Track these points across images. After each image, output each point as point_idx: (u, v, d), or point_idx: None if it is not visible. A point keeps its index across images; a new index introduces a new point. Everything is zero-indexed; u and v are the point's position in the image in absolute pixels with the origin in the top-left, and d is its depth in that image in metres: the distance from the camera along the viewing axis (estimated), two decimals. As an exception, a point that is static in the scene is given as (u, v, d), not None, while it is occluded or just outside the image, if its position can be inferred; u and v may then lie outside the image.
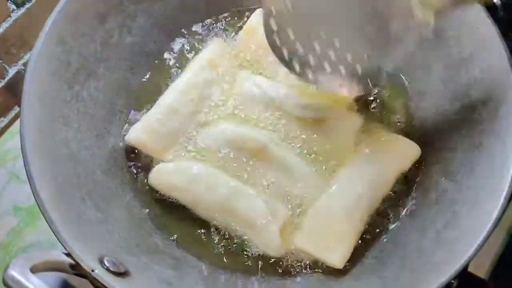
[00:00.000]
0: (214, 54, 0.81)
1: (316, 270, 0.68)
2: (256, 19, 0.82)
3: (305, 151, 0.74)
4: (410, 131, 0.76)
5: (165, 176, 0.72)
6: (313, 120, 0.75)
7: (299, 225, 0.70)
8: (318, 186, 0.71)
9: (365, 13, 0.64)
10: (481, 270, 0.76)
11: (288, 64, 0.69)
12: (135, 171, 0.75)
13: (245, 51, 0.82)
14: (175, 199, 0.72)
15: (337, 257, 0.66)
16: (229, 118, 0.76)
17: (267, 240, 0.68)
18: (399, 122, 0.78)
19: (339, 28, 0.66)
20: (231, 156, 0.73)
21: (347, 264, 0.67)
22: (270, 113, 0.76)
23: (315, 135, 0.74)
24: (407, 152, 0.74)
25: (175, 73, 0.82)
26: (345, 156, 0.73)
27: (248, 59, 0.82)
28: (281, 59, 0.68)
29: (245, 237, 0.70)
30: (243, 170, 0.72)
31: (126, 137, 0.75)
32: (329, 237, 0.67)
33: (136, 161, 0.76)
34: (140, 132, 0.74)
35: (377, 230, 0.71)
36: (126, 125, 0.78)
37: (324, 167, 0.73)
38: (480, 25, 0.68)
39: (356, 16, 0.65)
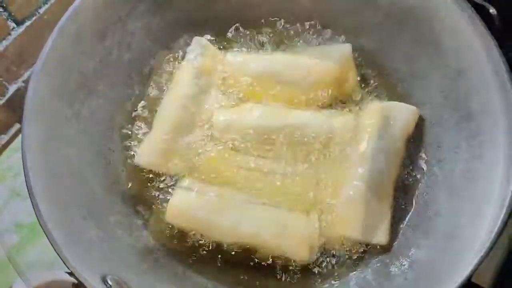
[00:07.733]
0: (203, 60, 0.80)
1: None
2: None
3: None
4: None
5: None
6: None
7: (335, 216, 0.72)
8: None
9: None
10: (483, 279, 0.76)
11: None
12: (136, 187, 0.75)
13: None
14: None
15: (381, 235, 0.70)
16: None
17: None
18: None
19: None
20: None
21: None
22: None
23: None
24: (407, 115, 0.76)
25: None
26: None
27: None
28: None
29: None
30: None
31: (136, 160, 0.75)
32: (368, 219, 0.70)
33: (137, 177, 0.76)
34: (148, 154, 0.74)
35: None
36: (127, 141, 0.77)
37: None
38: (477, 36, 0.67)
39: None
